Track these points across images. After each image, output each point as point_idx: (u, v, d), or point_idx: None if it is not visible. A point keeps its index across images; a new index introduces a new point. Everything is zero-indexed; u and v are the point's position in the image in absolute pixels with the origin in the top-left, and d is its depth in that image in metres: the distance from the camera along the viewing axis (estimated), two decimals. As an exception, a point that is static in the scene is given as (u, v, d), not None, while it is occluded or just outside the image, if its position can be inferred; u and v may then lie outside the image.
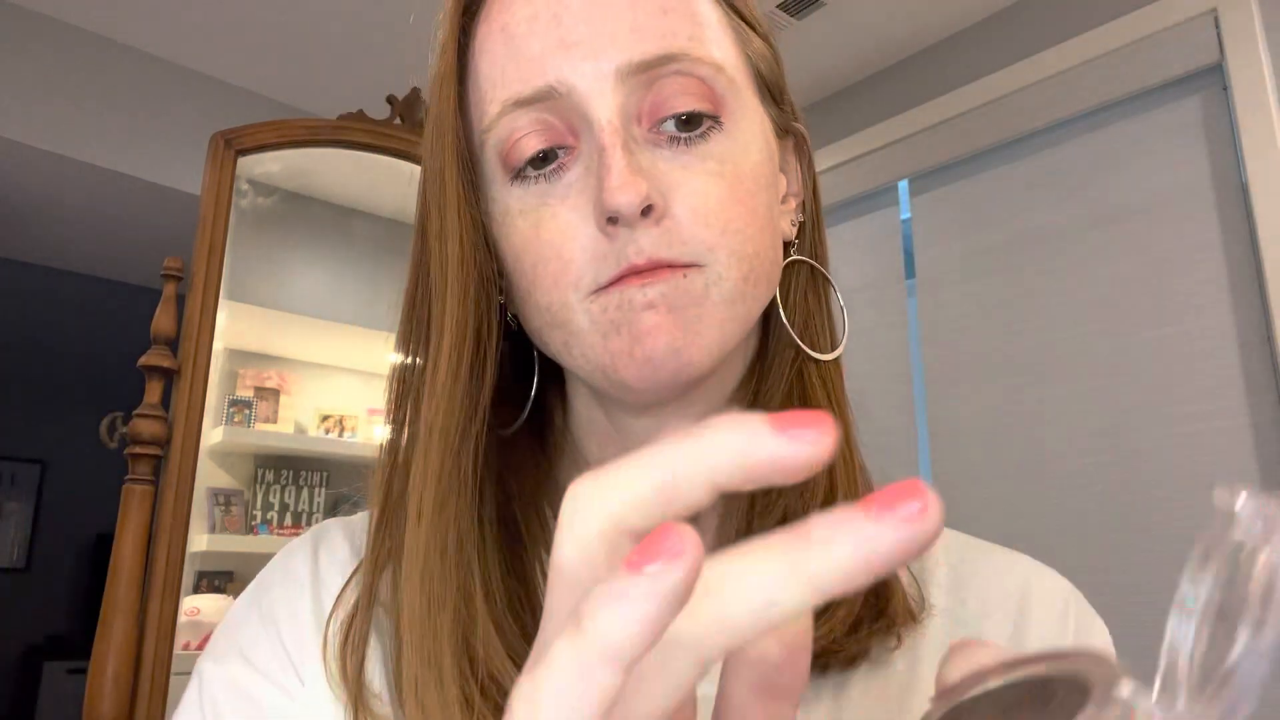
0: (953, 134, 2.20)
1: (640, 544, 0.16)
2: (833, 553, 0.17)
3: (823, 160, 2.45)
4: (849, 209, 2.44)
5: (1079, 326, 1.91)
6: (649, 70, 0.37)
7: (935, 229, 2.25)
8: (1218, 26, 1.76)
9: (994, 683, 0.19)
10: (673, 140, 0.38)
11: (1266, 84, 1.68)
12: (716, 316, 0.37)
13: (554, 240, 0.38)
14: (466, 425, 0.39)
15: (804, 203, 0.47)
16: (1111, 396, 1.83)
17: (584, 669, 0.16)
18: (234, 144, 1.75)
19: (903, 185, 2.34)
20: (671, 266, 0.36)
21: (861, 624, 0.39)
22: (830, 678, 0.40)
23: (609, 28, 0.37)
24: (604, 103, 0.37)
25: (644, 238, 0.36)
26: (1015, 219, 2.07)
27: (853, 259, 2.42)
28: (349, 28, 2.24)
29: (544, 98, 0.38)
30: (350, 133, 1.88)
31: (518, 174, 0.39)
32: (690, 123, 0.38)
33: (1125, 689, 0.17)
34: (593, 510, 0.18)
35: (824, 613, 0.38)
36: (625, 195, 0.35)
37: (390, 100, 1.94)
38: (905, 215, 2.35)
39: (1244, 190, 1.70)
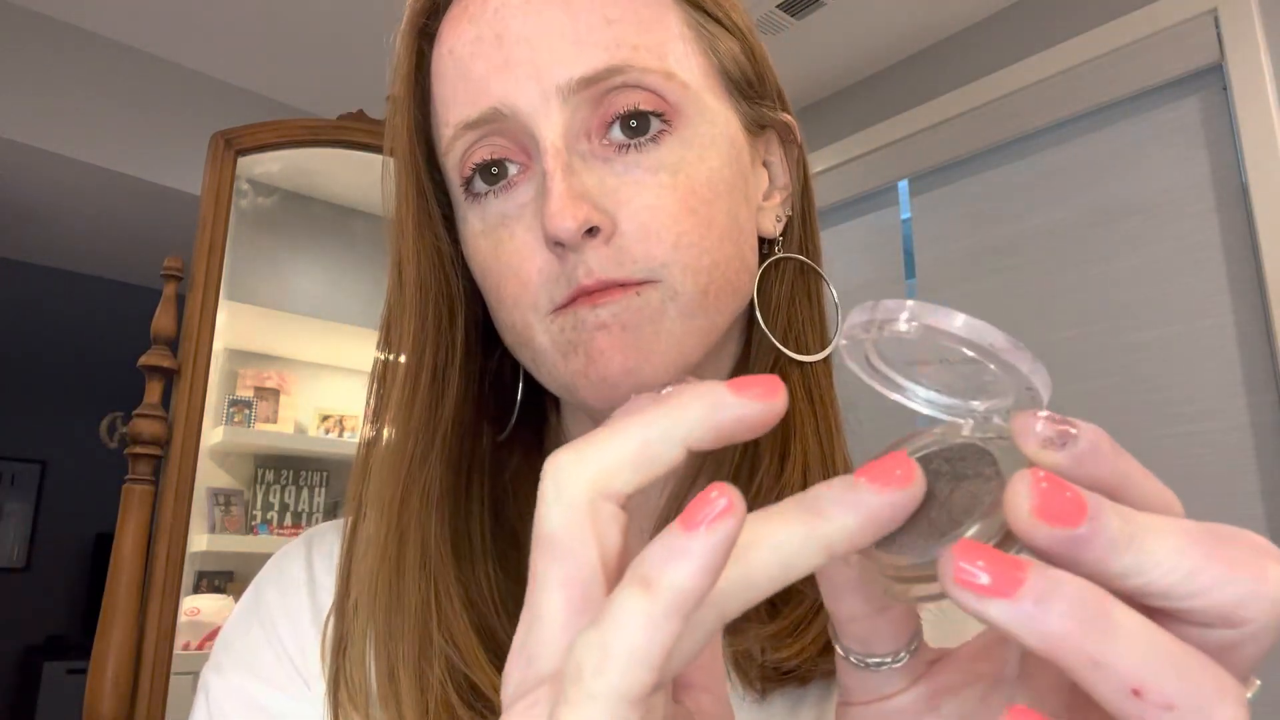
0: (953, 134, 2.20)
1: (690, 504, 0.18)
2: (843, 519, 0.19)
3: (823, 160, 2.45)
4: (849, 209, 2.44)
5: (1079, 326, 1.91)
6: (593, 85, 0.36)
7: (935, 229, 2.25)
8: (1218, 26, 1.76)
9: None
10: (622, 149, 0.37)
11: (1266, 84, 1.68)
12: (675, 332, 0.36)
13: (512, 262, 0.38)
14: (430, 437, 0.40)
15: (792, 196, 0.45)
16: (1111, 396, 1.83)
17: (654, 621, 0.17)
18: (234, 144, 1.75)
19: (903, 185, 2.34)
20: (623, 285, 0.36)
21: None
22: (813, 688, 0.40)
23: (550, 44, 0.36)
24: (548, 122, 0.36)
25: (592, 259, 0.35)
26: (1015, 219, 2.07)
27: (853, 259, 2.42)
28: (349, 28, 2.24)
29: (491, 120, 0.37)
30: (350, 133, 1.88)
31: (472, 191, 0.39)
32: (638, 128, 0.37)
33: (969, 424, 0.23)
34: (577, 478, 0.20)
35: (796, 633, 0.38)
36: (563, 221, 0.34)
37: (390, 100, 1.94)
38: (905, 215, 2.35)
39: (1244, 190, 1.70)
